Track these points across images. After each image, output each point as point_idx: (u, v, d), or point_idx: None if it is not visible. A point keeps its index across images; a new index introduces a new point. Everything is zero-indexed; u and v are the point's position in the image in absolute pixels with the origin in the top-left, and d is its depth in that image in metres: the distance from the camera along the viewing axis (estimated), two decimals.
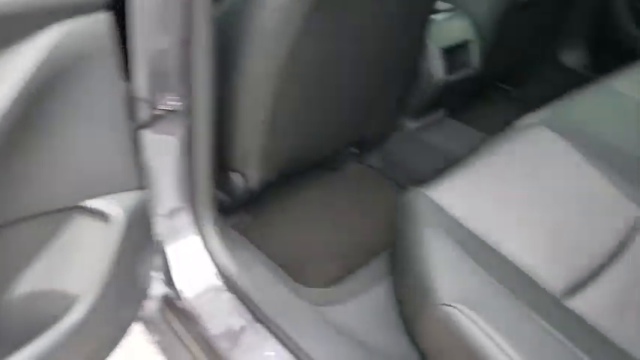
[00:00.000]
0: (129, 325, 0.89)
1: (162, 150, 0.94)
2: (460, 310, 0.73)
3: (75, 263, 0.73)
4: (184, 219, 1.04)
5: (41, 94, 0.62)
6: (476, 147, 1.06)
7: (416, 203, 0.90)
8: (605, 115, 1.14)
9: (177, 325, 1.08)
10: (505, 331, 0.72)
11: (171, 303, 1.07)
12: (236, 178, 1.19)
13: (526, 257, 0.86)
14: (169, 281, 1.05)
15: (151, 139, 0.90)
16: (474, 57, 1.51)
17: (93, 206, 0.72)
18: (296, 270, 1.19)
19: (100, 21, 0.62)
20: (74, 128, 0.66)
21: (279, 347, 0.95)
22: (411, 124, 1.57)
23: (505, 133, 1.05)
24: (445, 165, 1.02)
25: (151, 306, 1.10)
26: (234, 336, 0.99)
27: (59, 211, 0.71)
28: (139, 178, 0.82)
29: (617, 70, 1.28)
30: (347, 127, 1.36)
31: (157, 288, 1.07)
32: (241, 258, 1.05)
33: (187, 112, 0.91)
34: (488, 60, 1.53)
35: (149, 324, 1.14)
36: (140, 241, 0.85)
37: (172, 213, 1.03)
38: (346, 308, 1.03)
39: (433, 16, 1.42)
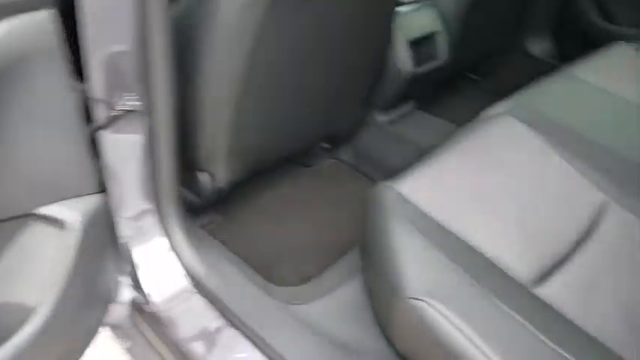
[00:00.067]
0: (94, 332, 0.87)
1: (124, 151, 0.92)
2: (429, 304, 0.73)
3: (30, 273, 0.70)
4: (150, 221, 1.02)
5: None
6: (445, 139, 1.06)
7: (383, 197, 0.89)
8: (568, 102, 1.15)
9: (147, 330, 1.05)
10: (475, 323, 0.71)
11: (140, 308, 1.04)
12: (203, 178, 1.17)
13: (495, 247, 0.86)
14: (137, 285, 1.02)
15: (110, 140, 0.88)
16: (442, 48, 1.51)
17: (47, 213, 0.69)
18: (268, 269, 1.17)
19: (44, 19, 0.60)
20: (21, 132, 0.63)
21: (250, 348, 0.93)
22: (381, 118, 1.56)
23: (471, 124, 1.05)
24: (415, 157, 1.02)
25: (119, 312, 1.07)
26: (204, 339, 0.97)
27: (11, 219, 0.68)
28: (98, 181, 0.79)
29: (580, 58, 1.29)
30: (316, 122, 1.34)
31: (125, 293, 1.05)
32: (210, 259, 1.03)
33: (147, 112, 0.88)
34: (456, 51, 1.53)
35: (119, 330, 1.12)
36: (101, 246, 0.83)
37: (137, 215, 1.00)
38: (319, 306, 1.02)
39: (399, 8, 1.42)
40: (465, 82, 1.94)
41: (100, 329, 0.99)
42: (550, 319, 0.78)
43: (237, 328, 0.97)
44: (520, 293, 0.80)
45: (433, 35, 1.49)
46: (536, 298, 0.81)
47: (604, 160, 1.01)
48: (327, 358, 0.90)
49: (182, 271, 1.03)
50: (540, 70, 1.39)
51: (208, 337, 0.97)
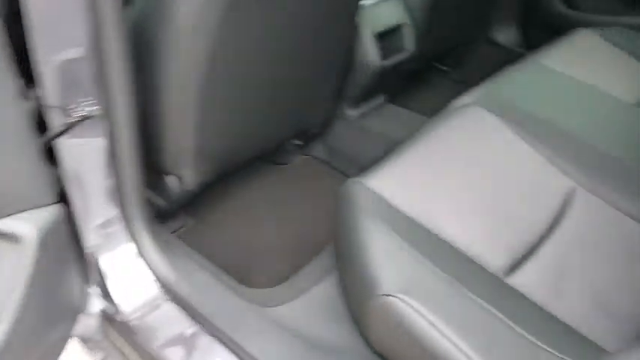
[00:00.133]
0: (61, 347, 0.84)
1: (84, 158, 0.89)
2: (402, 300, 0.72)
3: None
4: (117, 228, 0.99)
5: None
6: (415, 131, 1.06)
7: (353, 194, 0.88)
8: (534, 90, 1.16)
9: (119, 341, 1.03)
10: (448, 317, 0.71)
11: (111, 318, 1.01)
12: (171, 182, 1.14)
13: (466, 239, 0.86)
14: (106, 295, 0.99)
15: (69, 148, 0.85)
16: (409, 40, 1.50)
17: (1, 228, 0.66)
18: (242, 271, 1.16)
19: None
20: None
21: (226, 354, 0.91)
22: (352, 112, 1.55)
23: (439, 116, 1.05)
24: (387, 151, 1.01)
25: (89, 323, 1.04)
26: (179, 346, 0.95)
27: None
28: (56, 191, 0.76)
29: (545, 45, 1.30)
30: (286, 119, 1.33)
31: (95, 303, 1.02)
32: (181, 264, 1.01)
33: (106, 117, 0.85)
34: (423, 42, 1.53)
35: (90, 342, 1.09)
36: (62, 259, 0.80)
37: (103, 223, 0.97)
38: (295, 306, 1.00)
39: (364, 1, 1.41)
40: (434, 73, 1.94)
41: (70, 342, 0.96)
42: (523, 309, 0.78)
43: (211, 333, 0.95)
44: (493, 284, 0.81)
45: (399, 27, 1.48)
46: (509, 288, 0.81)
47: (571, 147, 1.02)
48: None
49: (152, 278, 1.00)
50: (507, 58, 1.40)
51: (182, 345, 0.95)
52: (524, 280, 0.82)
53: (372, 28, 1.40)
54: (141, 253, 1.00)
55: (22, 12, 0.70)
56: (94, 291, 1.01)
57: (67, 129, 0.82)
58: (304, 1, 1.03)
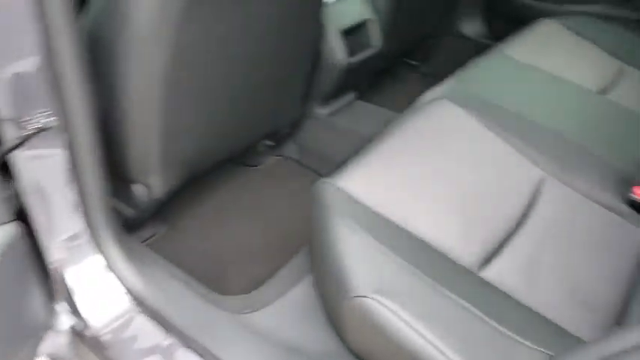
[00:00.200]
0: None
1: (44, 171, 0.85)
2: (376, 301, 0.71)
3: None
4: (82, 241, 0.95)
5: None
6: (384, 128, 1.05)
7: (324, 195, 0.87)
8: (501, 81, 1.16)
9: (90, 357, 0.99)
10: (423, 316, 0.70)
11: (81, 334, 0.98)
12: (138, 190, 1.11)
13: (438, 234, 0.85)
14: (75, 311, 0.96)
15: (26, 161, 0.81)
16: (375, 36, 1.50)
17: None
18: (216, 278, 1.14)
19: None
20: None
21: None
22: (322, 111, 1.54)
23: (408, 111, 1.05)
24: (358, 148, 1.00)
25: (59, 341, 1.00)
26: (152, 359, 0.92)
27: None
28: (12, 208, 0.73)
29: (510, 36, 1.31)
30: (255, 120, 1.31)
31: (64, 320, 0.98)
32: (153, 275, 0.98)
33: (64, 128, 0.82)
34: (389, 37, 1.52)
35: None
36: (22, 277, 0.77)
37: (68, 237, 0.94)
38: (271, 311, 0.98)
39: None
40: (403, 68, 1.94)
41: None
42: (498, 302, 0.78)
43: (186, 345, 0.92)
44: (467, 279, 0.80)
45: (365, 23, 1.47)
46: (483, 282, 0.81)
47: (538, 137, 1.03)
48: None
49: (122, 291, 0.97)
50: (475, 50, 1.40)
51: (156, 358, 0.92)
52: (498, 273, 0.82)
53: (337, 26, 1.39)
54: (109, 265, 0.97)
55: None
56: (61, 307, 0.97)
57: (21, 142, 0.79)
58: (265, 1, 1.02)
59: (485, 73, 1.18)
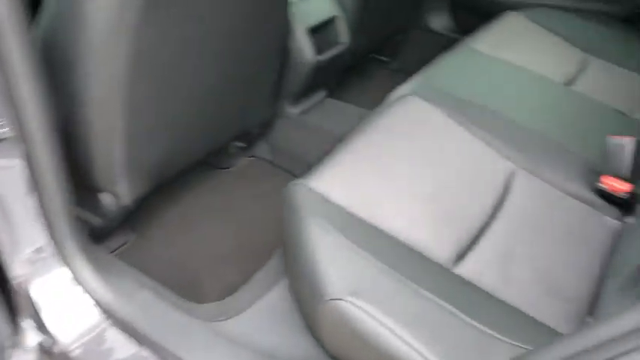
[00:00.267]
0: None
1: (1, 183, 0.82)
2: (351, 303, 0.70)
3: None
4: (46, 254, 0.92)
5: None
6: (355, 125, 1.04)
7: (296, 196, 0.85)
8: (468, 75, 1.17)
9: None
10: (399, 316, 0.70)
11: (49, 351, 0.94)
12: (105, 199, 1.08)
13: (412, 232, 0.85)
14: (41, 327, 0.93)
15: None
16: (343, 32, 1.49)
17: None
18: (190, 286, 1.11)
19: None
20: None
21: None
22: (292, 110, 1.52)
23: (378, 109, 1.04)
24: (329, 147, 0.99)
25: (26, 359, 0.97)
26: None
27: None
28: None
29: (476, 30, 1.32)
30: (224, 121, 1.28)
31: (31, 337, 0.95)
32: (121, 286, 0.95)
33: (20, 138, 0.79)
34: (357, 34, 1.51)
35: None
36: None
37: (32, 251, 0.90)
38: (245, 318, 0.96)
39: None
40: (373, 64, 1.94)
41: None
42: (473, 298, 0.78)
43: (161, 356, 0.90)
44: (441, 276, 0.80)
45: (332, 20, 1.46)
46: (458, 278, 0.81)
47: (507, 130, 1.03)
48: None
49: (91, 303, 0.94)
50: (443, 44, 1.40)
51: None
52: (472, 269, 0.82)
53: (304, 24, 1.37)
54: (76, 278, 0.93)
55: None
56: (27, 324, 0.94)
57: None
58: (228, 1, 0.99)
59: (453, 68, 1.18)
